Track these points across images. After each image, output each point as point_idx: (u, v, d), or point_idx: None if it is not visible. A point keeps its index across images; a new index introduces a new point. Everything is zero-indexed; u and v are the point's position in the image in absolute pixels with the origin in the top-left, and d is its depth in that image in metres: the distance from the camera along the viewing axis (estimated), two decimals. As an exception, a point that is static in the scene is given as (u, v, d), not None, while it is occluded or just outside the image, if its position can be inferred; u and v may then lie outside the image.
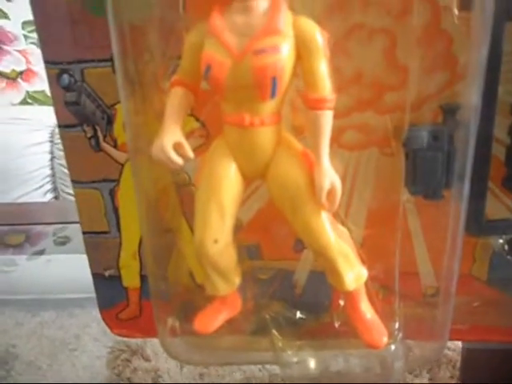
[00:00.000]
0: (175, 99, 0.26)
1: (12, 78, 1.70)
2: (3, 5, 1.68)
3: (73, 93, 0.33)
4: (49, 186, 1.32)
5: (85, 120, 0.34)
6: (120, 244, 0.37)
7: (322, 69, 0.24)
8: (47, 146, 1.31)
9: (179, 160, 0.25)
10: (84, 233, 0.38)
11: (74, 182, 0.36)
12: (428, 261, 0.35)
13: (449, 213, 0.30)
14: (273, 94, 0.24)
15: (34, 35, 1.68)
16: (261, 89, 0.23)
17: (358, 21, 0.30)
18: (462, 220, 0.30)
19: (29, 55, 1.69)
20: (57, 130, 1.31)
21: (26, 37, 1.70)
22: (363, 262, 0.30)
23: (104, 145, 0.34)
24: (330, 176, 0.25)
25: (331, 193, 0.25)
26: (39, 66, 1.61)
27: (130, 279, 0.39)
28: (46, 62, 0.33)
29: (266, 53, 0.23)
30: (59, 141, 1.31)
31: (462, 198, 0.29)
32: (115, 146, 0.34)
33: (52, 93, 0.34)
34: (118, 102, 0.33)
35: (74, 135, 0.34)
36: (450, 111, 0.28)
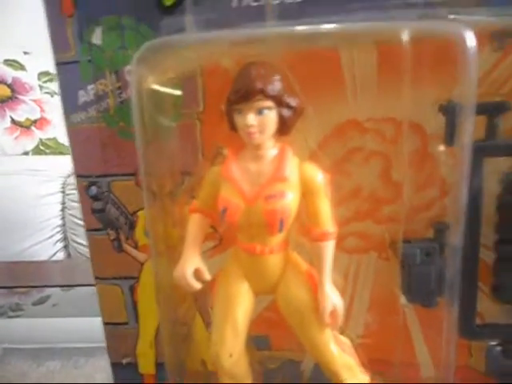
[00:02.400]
0: (194, 226, 0.29)
1: (26, 126, 1.77)
2: (21, 57, 1.77)
3: (99, 202, 0.37)
4: (59, 236, 1.35)
5: (109, 225, 0.37)
6: (138, 334, 0.40)
7: (324, 207, 0.27)
8: (59, 197, 1.35)
9: (198, 285, 0.28)
10: (105, 324, 0.40)
11: (97, 278, 0.39)
12: (427, 354, 0.37)
13: (444, 317, 0.33)
14: (280, 231, 0.27)
15: (49, 85, 1.76)
16: (270, 227, 0.27)
17: (356, 145, 0.34)
18: (454, 324, 0.32)
19: (43, 104, 1.76)
20: (68, 181, 1.36)
21: (41, 87, 1.78)
22: (364, 366, 0.32)
23: (126, 246, 0.38)
24: (331, 298, 0.28)
25: (333, 313, 0.28)
26: (52, 114, 1.67)
27: (147, 366, 0.41)
28: (78, 175, 0.37)
29: (275, 198, 0.26)
30: (70, 191, 1.33)
31: (453, 304, 0.32)
32: (136, 248, 0.38)
33: (81, 201, 0.37)
34: (140, 210, 0.37)
35: (99, 238, 0.38)
36: (440, 229, 0.32)
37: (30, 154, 1.73)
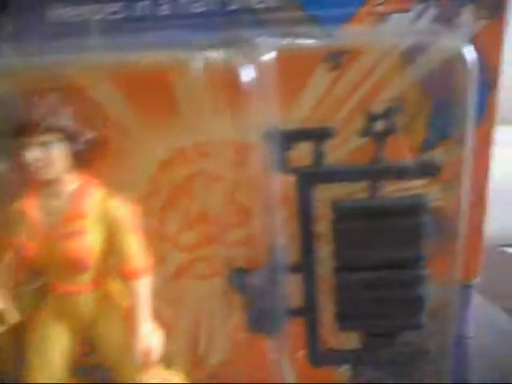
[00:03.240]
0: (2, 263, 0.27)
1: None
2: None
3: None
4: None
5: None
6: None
7: (131, 243, 0.25)
8: None
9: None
10: None
11: None
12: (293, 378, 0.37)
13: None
14: (83, 271, 0.25)
15: None
16: (71, 267, 0.25)
17: (198, 169, 0.32)
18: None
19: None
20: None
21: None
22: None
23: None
24: (145, 340, 0.26)
25: (147, 354, 0.26)
26: None
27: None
28: None
29: (73, 236, 0.24)
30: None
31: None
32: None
33: None
34: None
35: None
36: (277, 256, 0.30)
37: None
